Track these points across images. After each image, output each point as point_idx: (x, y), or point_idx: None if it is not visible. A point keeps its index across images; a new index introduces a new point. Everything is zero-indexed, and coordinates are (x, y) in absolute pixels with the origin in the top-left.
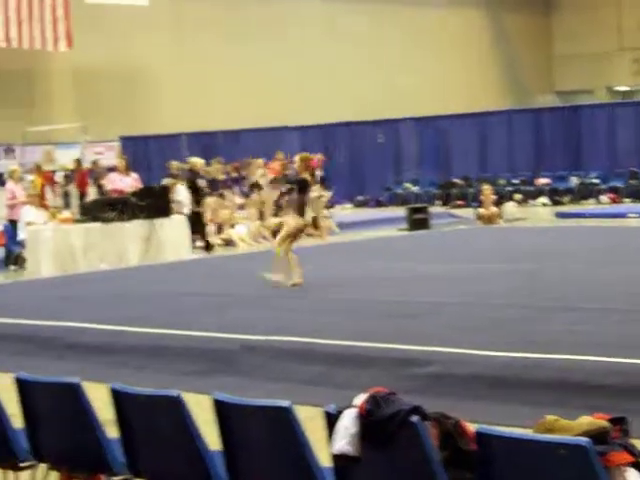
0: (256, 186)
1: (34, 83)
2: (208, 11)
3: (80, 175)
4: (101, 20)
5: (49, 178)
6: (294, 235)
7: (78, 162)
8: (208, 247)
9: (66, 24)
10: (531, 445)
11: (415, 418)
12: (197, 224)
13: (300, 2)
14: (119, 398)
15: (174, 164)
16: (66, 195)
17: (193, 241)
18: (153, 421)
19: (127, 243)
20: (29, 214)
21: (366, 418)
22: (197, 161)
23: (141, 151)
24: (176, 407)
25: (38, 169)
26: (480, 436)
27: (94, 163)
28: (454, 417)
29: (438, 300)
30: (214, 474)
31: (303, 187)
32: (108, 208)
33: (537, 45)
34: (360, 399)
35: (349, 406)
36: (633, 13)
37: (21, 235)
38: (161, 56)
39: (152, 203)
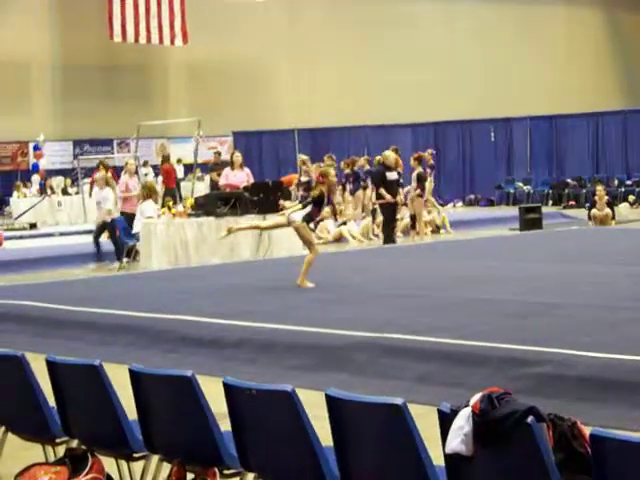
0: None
1: (149, 78)
2: (323, 6)
3: (166, 171)
4: (216, 16)
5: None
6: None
7: (166, 157)
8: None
9: (182, 20)
10: None
11: (531, 419)
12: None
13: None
14: (231, 391)
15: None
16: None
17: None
18: (266, 415)
19: (239, 238)
20: (149, 208)
21: (480, 417)
22: (388, 155)
23: (253, 146)
24: (290, 402)
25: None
26: (594, 439)
27: (216, 155)
28: (568, 419)
29: (550, 301)
30: (326, 470)
31: (318, 202)
32: (221, 203)
33: None
34: (475, 398)
35: (464, 405)
36: None
37: (136, 228)
38: (275, 51)
39: (265, 198)
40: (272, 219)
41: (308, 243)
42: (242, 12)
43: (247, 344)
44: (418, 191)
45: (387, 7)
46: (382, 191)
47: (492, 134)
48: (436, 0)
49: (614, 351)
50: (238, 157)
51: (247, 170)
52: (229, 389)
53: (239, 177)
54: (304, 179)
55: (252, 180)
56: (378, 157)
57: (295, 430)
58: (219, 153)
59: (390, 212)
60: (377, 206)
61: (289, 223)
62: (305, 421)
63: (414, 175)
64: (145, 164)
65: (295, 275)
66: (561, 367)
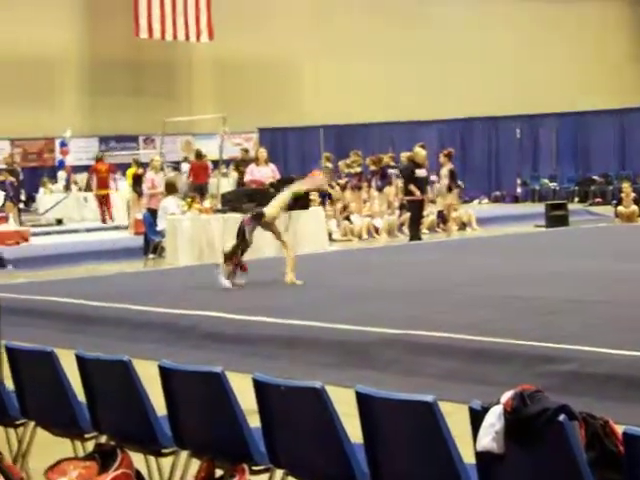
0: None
1: (175, 74)
2: (349, 3)
3: (196, 166)
4: (242, 11)
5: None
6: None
7: (198, 153)
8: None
9: (208, 16)
10: None
11: (562, 417)
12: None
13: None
14: (261, 388)
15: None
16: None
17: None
18: (295, 412)
19: (264, 234)
20: (171, 205)
21: (512, 415)
22: (418, 151)
23: (279, 143)
24: (319, 398)
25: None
26: (628, 437)
27: (243, 151)
28: (600, 417)
29: (577, 298)
30: (356, 467)
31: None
32: (246, 199)
33: None
34: (506, 396)
35: (495, 402)
36: None
37: (161, 225)
38: (301, 48)
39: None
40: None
41: (278, 235)
42: (268, 8)
43: (272, 340)
44: (450, 187)
45: (415, 3)
46: (412, 187)
47: (518, 131)
48: (467, 2)
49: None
50: (263, 153)
51: (272, 166)
52: (259, 385)
53: (264, 173)
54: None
55: (278, 176)
56: (406, 154)
57: (324, 427)
58: (246, 150)
59: (417, 209)
60: (404, 202)
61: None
62: (334, 418)
63: (445, 171)
64: (185, 160)
65: (318, 271)
66: (589, 365)
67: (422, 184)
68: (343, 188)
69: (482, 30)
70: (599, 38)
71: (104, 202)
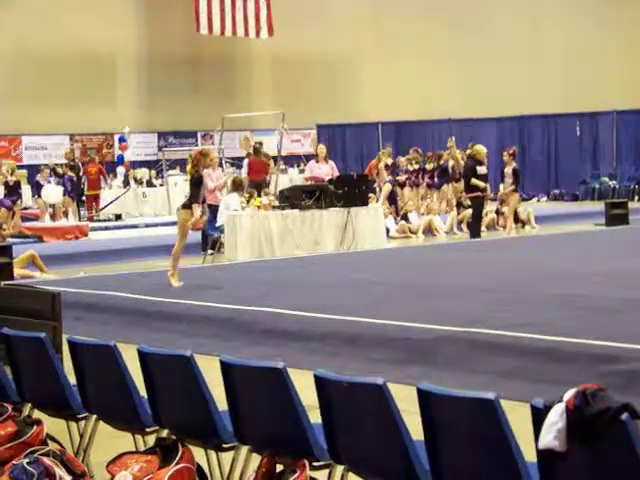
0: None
1: (234, 70)
2: (404, 1)
3: (254, 162)
4: (301, 8)
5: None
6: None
7: (257, 149)
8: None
9: (268, 12)
10: None
11: (625, 416)
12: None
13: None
14: (322, 384)
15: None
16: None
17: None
18: (356, 408)
19: (323, 230)
20: (233, 201)
21: (574, 414)
22: (480, 149)
23: (337, 139)
24: (381, 395)
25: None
26: None
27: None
28: None
29: (637, 297)
30: (416, 464)
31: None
32: (305, 195)
33: None
34: (569, 394)
35: (557, 401)
36: None
37: (220, 220)
38: (359, 44)
39: (349, 191)
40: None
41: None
42: (327, 4)
43: (332, 337)
44: (513, 187)
45: (467, 3)
46: (475, 181)
47: (577, 128)
48: None
49: None
50: (322, 150)
51: (331, 163)
52: (320, 381)
53: (323, 170)
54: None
55: (337, 173)
56: (463, 152)
57: (386, 424)
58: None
59: (479, 205)
60: (462, 200)
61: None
62: (396, 415)
63: (509, 170)
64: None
65: (378, 268)
66: None
67: (484, 181)
68: (402, 185)
69: (536, 25)
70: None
71: (94, 202)
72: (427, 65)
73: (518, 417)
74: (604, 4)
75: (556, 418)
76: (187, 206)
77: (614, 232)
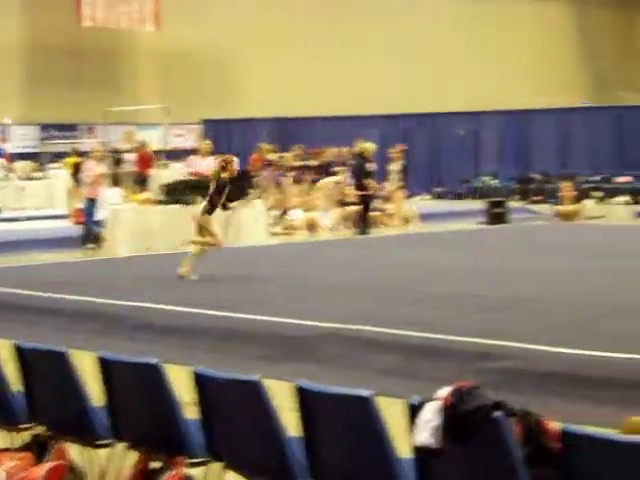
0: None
1: (119, 63)
2: None
3: (141, 156)
4: (188, 2)
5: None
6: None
7: (142, 143)
8: None
9: (153, 5)
10: (618, 446)
11: (498, 413)
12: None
13: None
14: (200, 380)
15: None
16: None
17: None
18: (233, 405)
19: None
20: (113, 195)
21: (450, 411)
22: (368, 146)
23: (222, 135)
24: (257, 392)
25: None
26: (565, 435)
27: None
28: (536, 414)
29: (517, 295)
30: (293, 460)
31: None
32: (188, 191)
33: (621, 41)
34: (444, 392)
35: (431, 398)
36: None
37: (100, 214)
38: (246, 40)
39: (232, 187)
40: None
41: (210, 234)
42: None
43: (210, 333)
44: (401, 183)
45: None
46: (366, 181)
47: (460, 128)
48: None
49: (582, 347)
50: (207, 145)
51: (214, 158)
52: (199, 378)
53: (206, 165)
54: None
55: None
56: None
57: (262, 420)
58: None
59: (367, 203)
60: (351, 197)
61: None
62: (272, 411)
63: (396, 167)
64: (129, 150)
65: (258, 265)
66: (528, 361)
67: (372, 179)
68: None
69: (424, 26)
70: (542, 38)
71: None
72: (314, 62)
73: (396, 414)
74: (495, 9)
75: (431, 416)
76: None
77: (494, 230)
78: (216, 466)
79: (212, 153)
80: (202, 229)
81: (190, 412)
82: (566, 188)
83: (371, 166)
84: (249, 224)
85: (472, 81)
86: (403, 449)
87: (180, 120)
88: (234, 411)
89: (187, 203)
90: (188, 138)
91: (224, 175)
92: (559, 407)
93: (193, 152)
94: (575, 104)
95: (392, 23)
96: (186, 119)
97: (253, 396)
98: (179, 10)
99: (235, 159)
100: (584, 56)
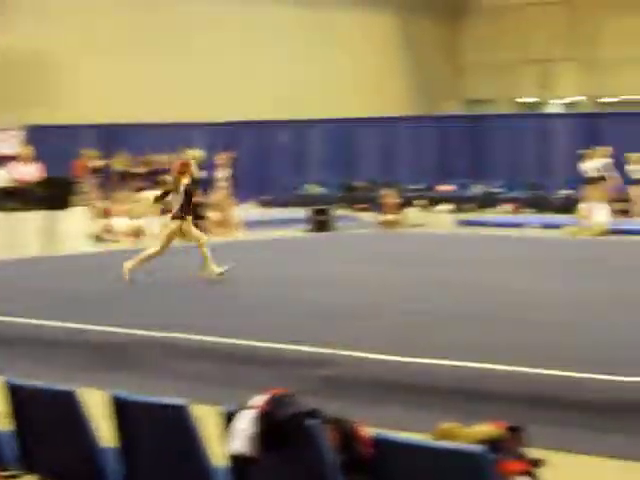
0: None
1: None
2: None
3: None
4: (12, 3)
5: None
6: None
7: None
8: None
9: None
10: (428, 452)
11: (312, 421)
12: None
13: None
14: (13, 390)
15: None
16: None
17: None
18: (48, 415)
19: (27, 233)
20: None
21: (265, 419)
22: (196, 153)
23: (45, 140)
24: (70, 402)
25: None
26: (378, 441)
27: None
28: (351, 421)
29: (336, 302)
30: (108, 470)
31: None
32: (8, 197)
33: (445, 52)
34: (259, 400)
35: (247, 406)
36: (541, 24)
37: None
38: (69, 44)
39: (54, 194)
40: (161, 236)
41: (195, 238)
42: (43, 2)
43: (27, 343)
44: (230, 191)
45: (184, 2)
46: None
47: (285, 136)
48: (232, 2)
49: (400, 354)
50: (27, 151)
51: (36, 165)
52: (11, 388)
53: (27, 171)
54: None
55: (43, 175)
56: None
57: (76, 431)
58: None
59: (198, 210)
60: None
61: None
62: (85, 421)
63: (223, 175)
64: None
65: (84, 271)
66: (347, 368)
67: (199, 186)
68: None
69: (249, 33)
70: (369, 48)
71: None
72: (138, 65)
73: (212, 422)
74: (317, 17)
75: (247, 424)
76: (178, 217)
77: (317, 239)
78: (30, 479)
79: (34, 159)
80: (184, 236)
81: (2, 423)
82: (389, 196)
83: (200, 173)
84: (71, 232)
85: (299, 89)
86: (219, 457)
87: (1, 125)
88: (48, 422)
89: (7, 210)
90: (9, 144)
91: (185, 181)
92: (377, 413)
93: (14, 158)
94: (400, 113)
95: (219, 29)
96: (8, 124)
97: (67, 406)
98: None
99: (194, 158)
100: (410, 66)
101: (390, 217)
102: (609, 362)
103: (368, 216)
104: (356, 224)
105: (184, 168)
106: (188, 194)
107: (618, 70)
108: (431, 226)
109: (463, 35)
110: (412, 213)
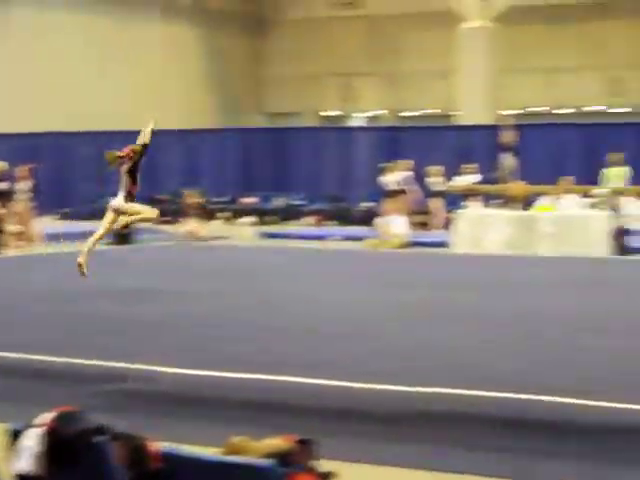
0: None
1: None
2: None
3: None
4: None
5: None
6: None
7: None
8: None
9: None
10: (218, 466)
11: (100, 437)
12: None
13: (10, 7)
14: None
15: None
16: None
17: None
18: None
19: None
20: None
21: (52, 437)
22: None
23: None
24: None
25: None
26: (167, 456)
27: None
28: (139, 436)
29: (131, 313)
30: None
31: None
32: None
33: (250, 65)
34: (46, 417)
35: (33, 424)
36: (344, 39)
37: None
38: None
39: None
40: (104, 222)
41: (137, 213)
42: None
43: None
44: (32, 203)
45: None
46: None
47: (85, 148)
48: (34, 7)
49: (191, 367)
50: None
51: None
52: None
53: None
54: None
55: None
56: None
57: None
58: None
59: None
60: None
61: (116, 212)
62: None
63: (24, 187)
64: None
65: None
66: (139, 383)
67: (4, 198)
68: None
69: (60, 42)
70: (173, 59)
71: None
72: None
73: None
74: (119, 27)
75: (32, 441)
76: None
77: (118, 251)
78: None
79: None
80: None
81: None
82: (191, 196)
83: (3, 185)
84: None
85: (105, 99)
86: (5, 477)
87: None
88: None
89: None
90: None
91: (129, 165)
92: (168, 428)
93: None
94: (204, 126)
95: (13, 36)
96: None
97: None
98: None
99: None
100: (214, 80)
101: (192, 229)
102: (396, 372)
103: (172, 228)
104: (159, 237)
105: (132, 154)
106: (134, 179)
107: (418, 84)
108: (234, 239)
109: (268, 48)
110: (215, 225)
